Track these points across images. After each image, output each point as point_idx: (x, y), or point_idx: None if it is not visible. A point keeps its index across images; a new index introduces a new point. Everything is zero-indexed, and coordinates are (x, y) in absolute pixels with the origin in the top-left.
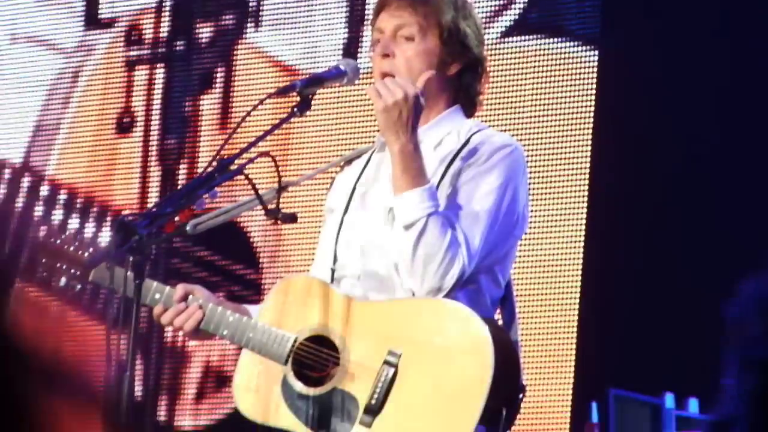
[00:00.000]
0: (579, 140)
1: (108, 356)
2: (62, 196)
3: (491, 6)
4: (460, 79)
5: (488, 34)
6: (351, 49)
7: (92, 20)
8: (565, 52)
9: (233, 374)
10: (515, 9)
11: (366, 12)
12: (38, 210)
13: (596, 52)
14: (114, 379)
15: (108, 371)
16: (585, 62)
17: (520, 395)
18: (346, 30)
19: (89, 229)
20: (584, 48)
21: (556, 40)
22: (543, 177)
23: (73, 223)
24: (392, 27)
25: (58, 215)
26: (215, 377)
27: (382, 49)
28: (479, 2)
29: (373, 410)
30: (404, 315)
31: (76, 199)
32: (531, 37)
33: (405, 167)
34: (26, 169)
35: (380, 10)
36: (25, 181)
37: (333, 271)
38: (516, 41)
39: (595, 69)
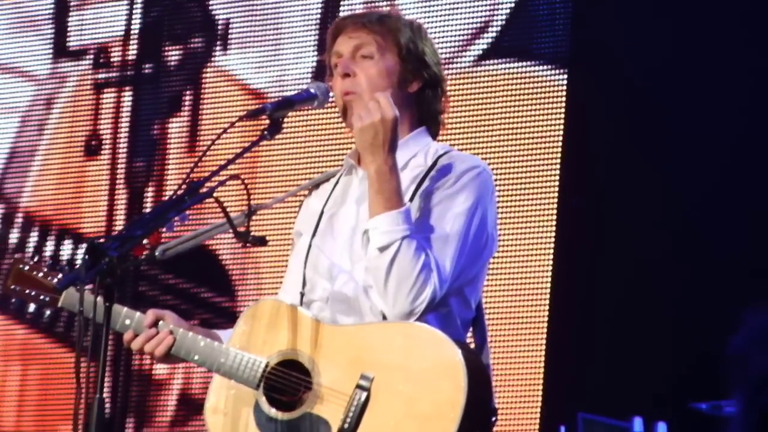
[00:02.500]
0: (548, 161)
1: (77, 381)
2: (32, 221)
3: (467, 30)
4: (421, 98)
5: (463, 58)
6: (321, 73)
7: (62, 50)
8: (534, 75)
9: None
10: (491, 33)
11: None
12: (11, 237)
13: (565, 74)
14: (85, 403)
15: (78, 395)
16: (554, 84)
17: (493, 418)
18: (315, 54)
19: (57, 251)
20: (553, 70)
21: (526, 63)
22: (512, 198)
23: (43, 245)
24: (351, 48)
25: (29, 239)
26: (191, 405)
27: (343, 69)
28: (455, 27)
29: None
30: (376, 339)
31: (46, 222)
32: (503, 60)
33: (379, 189)
34: None
35: (336, 35)
36: None
37: (302, 294)
38: (489, 65)
39: (564, 90)
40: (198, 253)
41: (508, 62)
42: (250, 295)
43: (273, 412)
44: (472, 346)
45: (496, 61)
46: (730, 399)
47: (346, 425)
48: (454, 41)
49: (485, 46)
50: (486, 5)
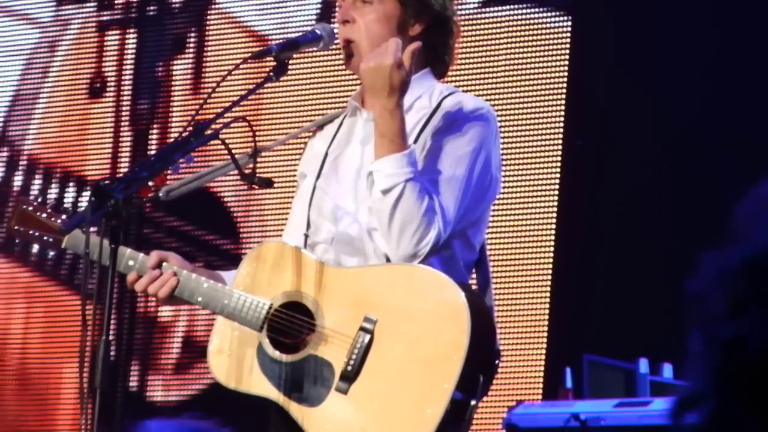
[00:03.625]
0: (552, 106)
1: (83, 321)
2: (36, 164)
3: None
4: (425, 39)
5: (468, 3)
6: (325, 16)
7: None
8: (539, 20)
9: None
10: None
11: None
12: (16, 180)
13: (569, 20)
14: (91, 344)
15: (83, 336)
16: (558, 30)
17: (496, 361)
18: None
19: (62, 194)
20: (558, 15)
21: (530, 7)
22: (516, 142)
23: (47, 188)
24: None
25: (33, 182)
26: (195, 348)
27: (342, 16)
28: None
29: (349, 377)
30: (379, 281)
31: (50, 166)
32: (507, 6)
33: (383, 131)
34: (3, 141)
35: None
36: (3, 152)
37: (306, 236)
38: (493, 11)
39: (569, 37)
40: (201, 196)
41: (511, 9)
42: (253, 237)
43: (276, 353)
44: (475, 288)
45: (500, 6)
46: (688, 342)
47: (349, 367)
48: None
49: None
50: None
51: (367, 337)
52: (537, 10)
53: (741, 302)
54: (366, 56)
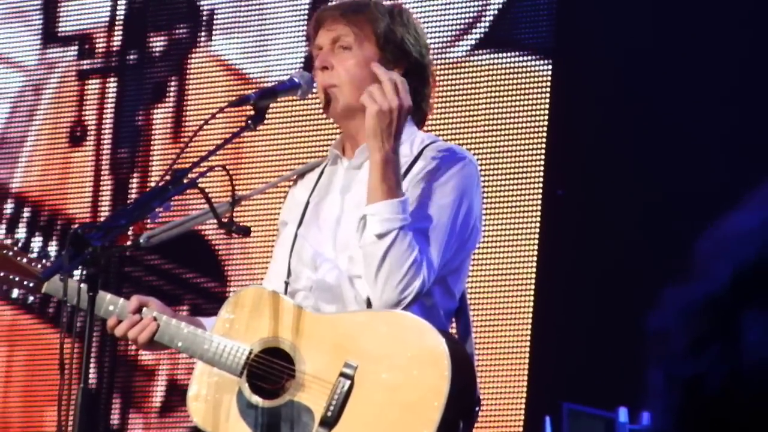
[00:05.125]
0: (533, 153)
1: (61, 365)
2: (17, 209)
3: (454, 24)
4: None
5: (451, 52)
6: (310, 62)
7: (51, 37)
8: (519, 66)
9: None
10: (482, 26)
11: None
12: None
13: (550, 65)
14: (68, 391)
15: (61, 381)
16: (539, 77)
17: (476, 408)
18: (303, 42)
19: (42, 240)
20: (538, 61)
21: (511, 54)
22: (497, 190)
23: (27, 233)
24: (329, 40)
25: (15, 228)
26: (177, 391)
27: (321, 62)
28: (447, 19)
29: (329, 422)
30: (360, 327)
31: (30, 211)
32: (487, 51)
33: (384, 176)
34: None
35: (317, 28)
36: None
37: (287, 284)
38: (475, 57)
39: (549, 80)
40: (186, 236)
41: (492, 53)
42: (239, 279)
43: (256, 399)
44: (456, 336)
45: (482, 53)
46: (647, 381)
47: (329, 413)
48: (441, 34)
49: (473, 41)
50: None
51: (348, 382)
52: (517, 54)
53: (701, 339)
54: (370, 99)
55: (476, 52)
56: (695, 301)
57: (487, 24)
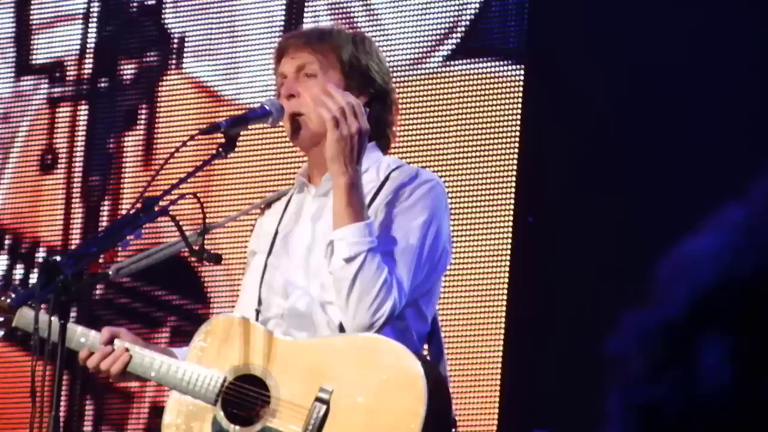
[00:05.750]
0: (504, 180)
1: (32, 392)
2: None
3: (434, 33)
4: (369, 113)
5: (429, 62)
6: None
7: (24, 68)
8: (490, 72)
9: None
10: (456, 36)
11: None
12: None
13: (522, 69)
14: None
15: (33, 408)
16: (510, 80)
17: (453, 430)
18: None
19: (12, 268)
20: (511, 75)
21: (481, 60)
22: (468, 215)
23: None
24: (294, 68)
25: None
26: (153, 415)
27: (287, 91)
28: (422, 30)
29: None
30: (334, 351)
31: (2, 237)
32: (461, 62)
33: (349, 201)
34: None
35: (280, 56)
36: None
37: (258, 312)
38: (445, 74)
39: (521, 86)
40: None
41: (465, 65)
42: (223, 300)
43: (230, 426)
44: (428, 358)
45: (458, 64)
46: (604, 406)
47: None
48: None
49: (449, 50)
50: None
51: (323, 407)
52: (486, 60)
53: (659, 365)
54: (332, 126)
55: (448, 64)
56: (653, 325)
57: (460, 35)
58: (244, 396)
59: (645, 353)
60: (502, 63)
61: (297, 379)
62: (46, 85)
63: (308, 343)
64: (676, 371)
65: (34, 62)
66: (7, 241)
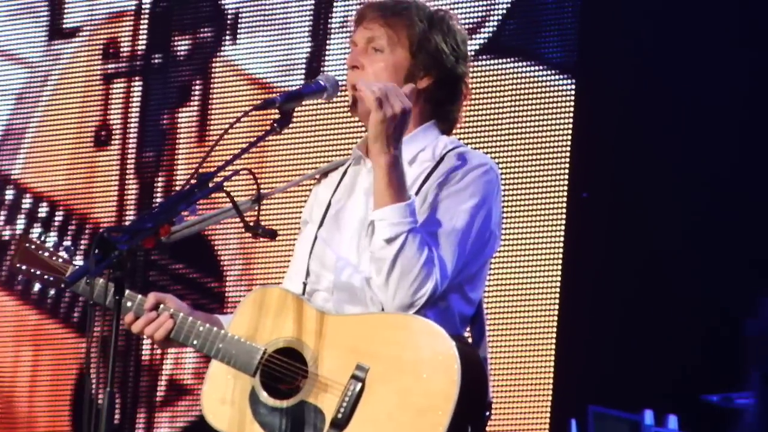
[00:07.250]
0: (557, 156)
1: (87, 369)
2: (43, 209)
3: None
4: (433, 93)
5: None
6: (314, 63)
7: (56, 32)
8: (540, 78)
9: (194, 384)
10: (489, 28)
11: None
12: (19, 222)
13: (573, 81)
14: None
15: (88, 385)
16: (563, 80)
17: (487, 413)
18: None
19: (67, 241)
20: (560, 76)
21: (530, 63)
22: (522, 194)
23: (52, 234)
24: (364, 39)
25: (37, 228)
26: (176, 388)
27: (351, 62)
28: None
29: (339, 424)
30: (373, 330)
31: (56, 212)
32: (509, 60)
33: (389, 181)
34: (7, 182)
35: (357, 23)
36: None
37: (305, 284)
38: (495, 62)
39: (573, 87)
40: (203, 241)
41: (515, 63)
42: (244, 282)
43: (268, 399)
44: (470, 340)
45: (503, 59)
46: (747, 379)
47: (339, 415)
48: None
49: (483, 41)
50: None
51: (359, 385)
52: (534, 64)
53: None
54: (375, 107)
55: (493, 56)
56: None
57: (493, 29)
58: (283, 369)
59: None
60: (555, 46)
61: (335, 355)
62: (99, 60)
63: (351, 320)
64: None
65: (67, 25)
66: (58, 217)
